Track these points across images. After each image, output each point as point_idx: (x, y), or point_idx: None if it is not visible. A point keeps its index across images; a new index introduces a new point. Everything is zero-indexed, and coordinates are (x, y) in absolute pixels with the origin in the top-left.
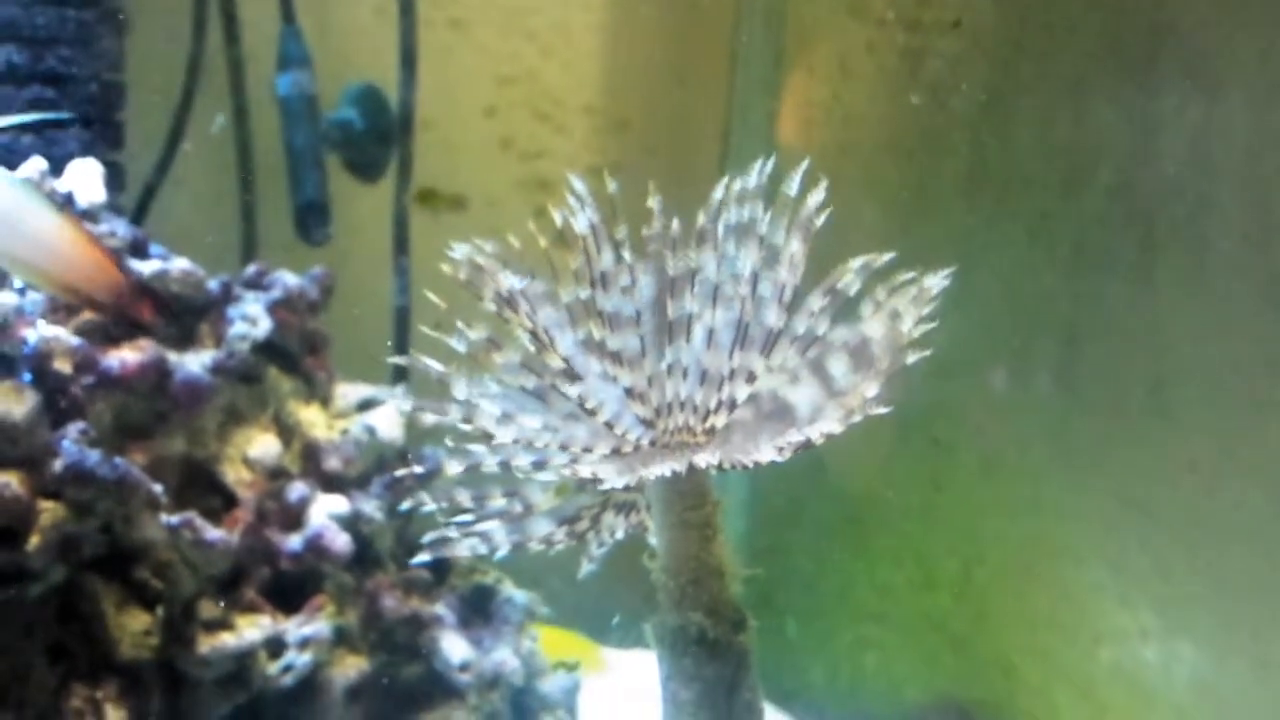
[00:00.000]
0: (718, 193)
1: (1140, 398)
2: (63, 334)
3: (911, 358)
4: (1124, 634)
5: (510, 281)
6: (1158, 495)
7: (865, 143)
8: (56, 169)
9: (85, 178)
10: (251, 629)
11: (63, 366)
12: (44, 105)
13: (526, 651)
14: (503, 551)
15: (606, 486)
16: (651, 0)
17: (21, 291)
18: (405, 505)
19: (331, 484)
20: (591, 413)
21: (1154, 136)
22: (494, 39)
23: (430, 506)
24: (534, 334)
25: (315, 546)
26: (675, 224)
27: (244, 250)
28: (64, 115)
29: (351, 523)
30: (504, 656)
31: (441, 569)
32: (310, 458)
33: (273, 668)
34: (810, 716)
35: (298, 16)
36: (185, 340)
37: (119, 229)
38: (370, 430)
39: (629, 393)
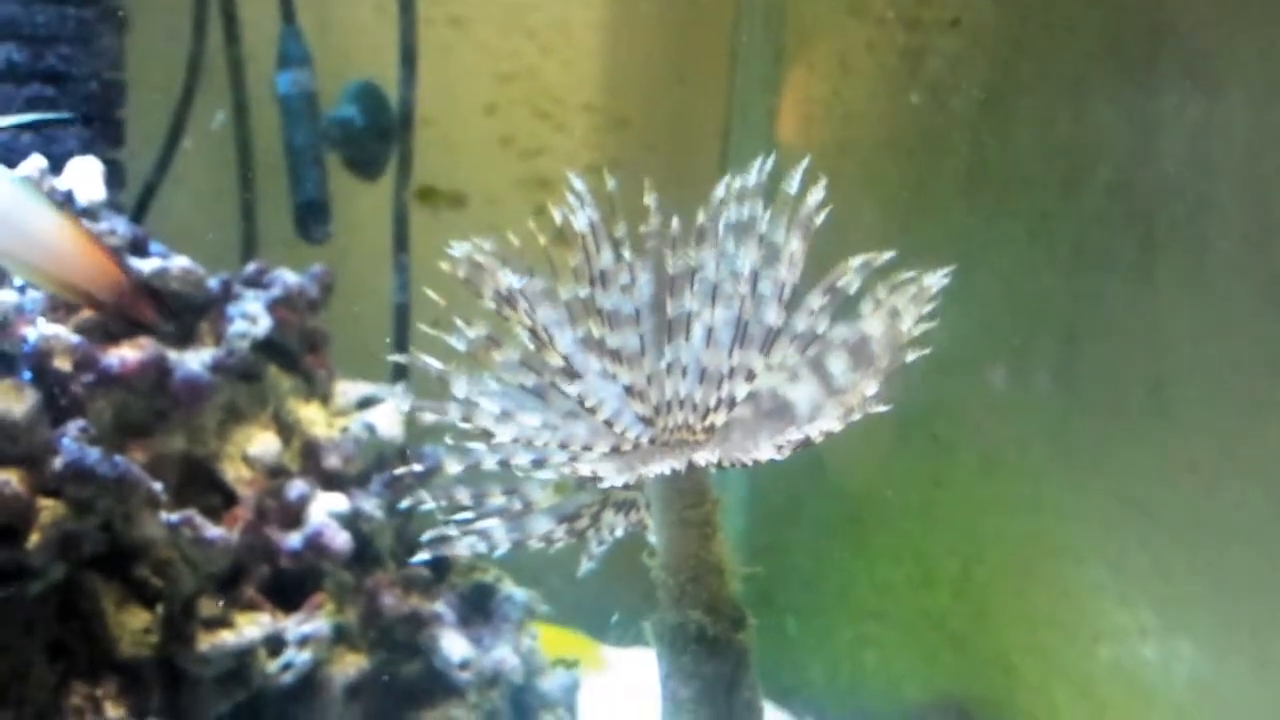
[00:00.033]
0: (719, 191)
1: (1140, 397)
2: (63, 332)
3: (911, 356)
4: (1123, 633)
5: (509, 280)
6: (1157, 495)
7: (865, 141)
8: (56, 167)
9: (85, 175)
10: (251, 627)
11: (63, 364)
12: (44, 103)
13: (526, 649)
14: (502, 549)
15: (606, 484)
16: None
17: (21, 290)
18: (405, 503)
19: (331, 482)
20: (591, 411)
21: (1154, 135)
22: (494, 37)
23: (430, 505)
24: (533, 332)
25: (315, 544)
26: (675, 222)
27: (244, 248)
28: (64, 116)
29: (351, 521)
30: (504, 654)
31: (441, 567)
32: (310, 456)
33: (272, 665)
34: (810, 714)
35: (298, 15)
36: (185, 338)
37: (119, 227)
38: (370, 428)
39: (628, 391)
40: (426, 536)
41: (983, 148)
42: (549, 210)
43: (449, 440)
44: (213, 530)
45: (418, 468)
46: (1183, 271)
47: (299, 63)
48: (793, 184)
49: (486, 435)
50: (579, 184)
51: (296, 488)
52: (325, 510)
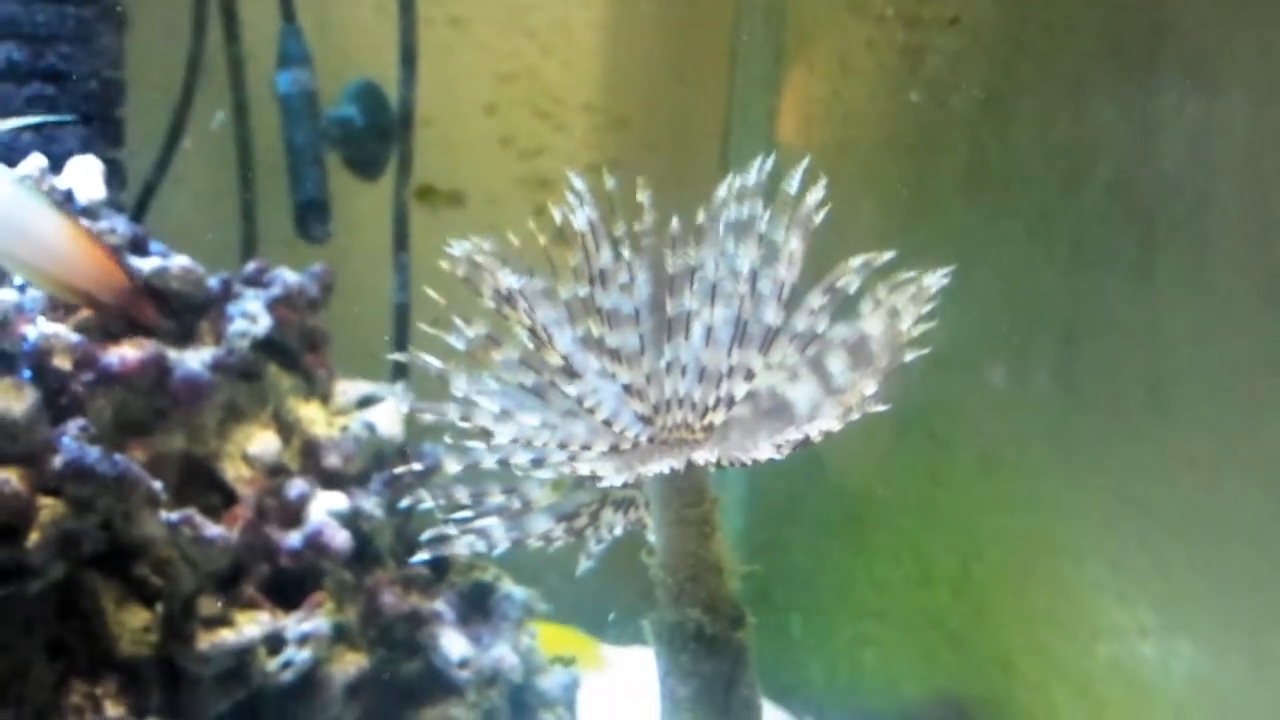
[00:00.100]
0: (721, 191)
1: (1139, 395)
2: (62, 331)
3: (910, 356)
4: (1122, 631)
5: (508, 280)
6: (1157, 493)
7: (865, 140)
8: (56, 166)
9: (85, 175)
10: (251, 625)
11: (62, 363)
12: (44, 102)
13: (525, 648)
14: (501, 548)
15: (605, 484)
16: None
17: (21, 288)
18: (404, 502)
19: (331, 481)
20: (590, 410)
21: (1154, 134)
22: (494, 36)
23: (429, 503)
24: (533, 331)
25: (315, 543)
26: (675, 221)
27: (244, 247)
28: (64, 118)
29: (351, 520)
30: (503, 653)
31: (441, 566)
32: (310, 455)
33: (272, 664)
34: (809, 712)
35: (298, 14)
36: (185, 337)
37: (119, 226)
38: (370, 427)
39: (627, 390)
40: (426, 536)
41: (982, 147)
42: (549, 210)
43: (448, 439)
44: (212, 529)
45: (417, 467)
46: (1182, 270)
47: (299, 62)
48: (792, 183)
49: (486, 434)
50: (579, 183)
51: (296, 487)
52: (325, 509)
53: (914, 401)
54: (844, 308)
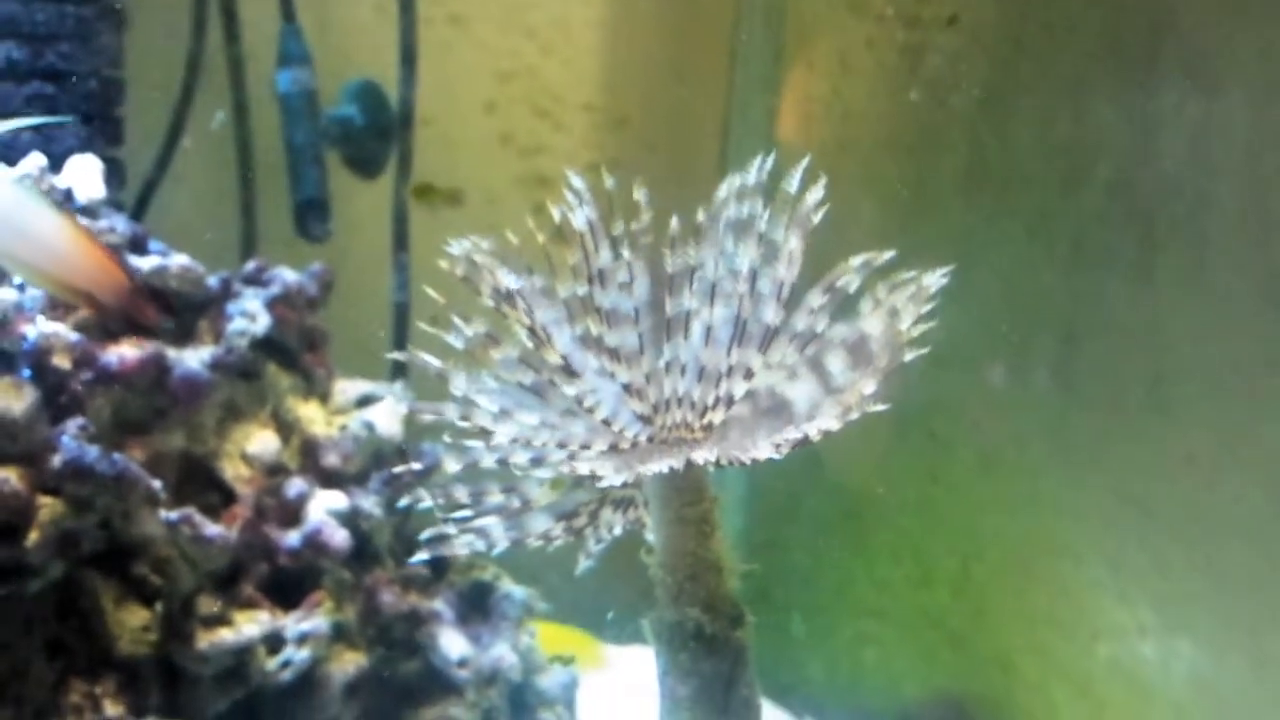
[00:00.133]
0: (722, 190)
1: (1139, 394)
2: (62, 330)
3: (910, 355)
4: (1122, 630)
5: (508, 279)
6: (1156, 492)
7: (865, 140)
8: (56, 165)
9: (84, 174)
10: (250, 625)
11: (62, 362)
12: (43, 101)
13: (524, 647)
14: (500, 547)
15: (604, 483)
16: None
17: (20, 288)
18: (403, 501)
19: (330, 480)
20: (589, 409)
21: (1153, 134)
22: (493, 35)
23: (428, 503)
24: (532, 330)
25: (314, 542)
26: (675, 221)
27: (243, 246)
28: (64, 119)
29: (350, 519)
30: (502, 652)
31: (440, 565)
32: (309, 454)
33: (271, 663)
34: (808, 712)
35: (298, 14)
36: (184, 336)
37: (118, 225)
38: (369, 426)
39: (627, 389)
40: (425, 535)
41: (982, 146)
42: (548, 209)
43: (447, 438)
44: (211, 528)
45: (416, 466)
46: (1182, 270)
47: (299, 61)
48: (792, 183)
49: (485, 433)
50: (578, 182)
51: (295, 486)
52: (324, 508)
53: (913, 401)
54: (844, 307)
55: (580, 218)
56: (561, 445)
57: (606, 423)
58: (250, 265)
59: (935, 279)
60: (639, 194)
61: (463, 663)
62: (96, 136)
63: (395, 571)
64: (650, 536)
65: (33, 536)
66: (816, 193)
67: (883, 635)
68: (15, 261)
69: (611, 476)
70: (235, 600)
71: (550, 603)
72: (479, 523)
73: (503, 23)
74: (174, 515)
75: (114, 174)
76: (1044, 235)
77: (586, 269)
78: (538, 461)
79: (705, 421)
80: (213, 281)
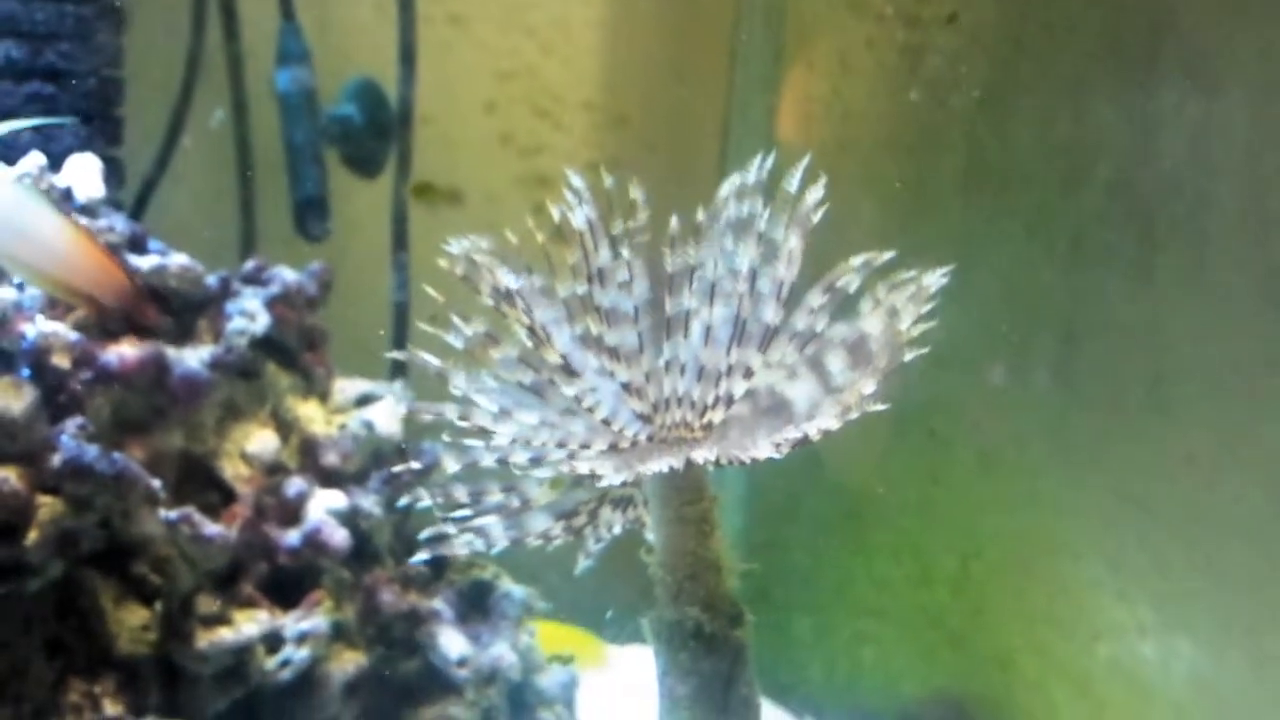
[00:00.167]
0: (723, 190)
1: (1139, 393)
2: (61, 329)
3: (909, 355)
4: (1122, 629)
5: (507, 278)
6: (1156, 491)
7: (864, 139)
8: (55, 164)
9: (84, 173)
10: (249, 624)
11: (61, 361)
12: (43, 100)
13: (524, 646)
14: (500, 547)
15: (604, 482)
16: None
17: (20, 287)
18: (403, 501)
19: (329, 479)
20: (589, 409)
21: (1153, 133)
22: (493, 35)
23: (428, 502)
24: (531, 330)
25: (313, 542)
26: (674, 220)
27: (243, 245)
28: (63, 120)
29: (349, 518)
30: (501, 651)
31: (439, 564)
32: (308, 453)
33: (270, 663)
34: (808, 711)
35: (297, 12)
36: (184, 335)
37: (117, 224)
38: (368, 425)
39: (626, 388)
40: (425, 534)
41: (982, 146)
42: (547, 208)
43: (447, 437)
44: (211, 527)
45: (416, 465)
46: (1182, 269)
47: (298, 60)
48: (792, 182)
49: (484, 433)
50: (577, 181)
51: (295, 485)
52: (323, 507)
53: (913, 400)
54: (843, 307)
55: (580, 217)
56: (561, 444)
57: (606, 422)
58: (249, 264)
59: (935, 279)
60: (635, 192)
61: (462, 662)
62: (96, 135)
63: (395, 570)
64: (650, 535)
65: (32, 535)
66: (816, 192)
67: (882, 634)
68: (16, 263)
69: (611, 476)
70: (235, 599)
71: (550, 602)
72: (478, 522)
73: (502, 22)
74: (173, 514)
75: (113, 173)
76: (1044, 235)
77: (586, 268)
78: (537, 461)
79: (705, 421)
80: (212, 280)
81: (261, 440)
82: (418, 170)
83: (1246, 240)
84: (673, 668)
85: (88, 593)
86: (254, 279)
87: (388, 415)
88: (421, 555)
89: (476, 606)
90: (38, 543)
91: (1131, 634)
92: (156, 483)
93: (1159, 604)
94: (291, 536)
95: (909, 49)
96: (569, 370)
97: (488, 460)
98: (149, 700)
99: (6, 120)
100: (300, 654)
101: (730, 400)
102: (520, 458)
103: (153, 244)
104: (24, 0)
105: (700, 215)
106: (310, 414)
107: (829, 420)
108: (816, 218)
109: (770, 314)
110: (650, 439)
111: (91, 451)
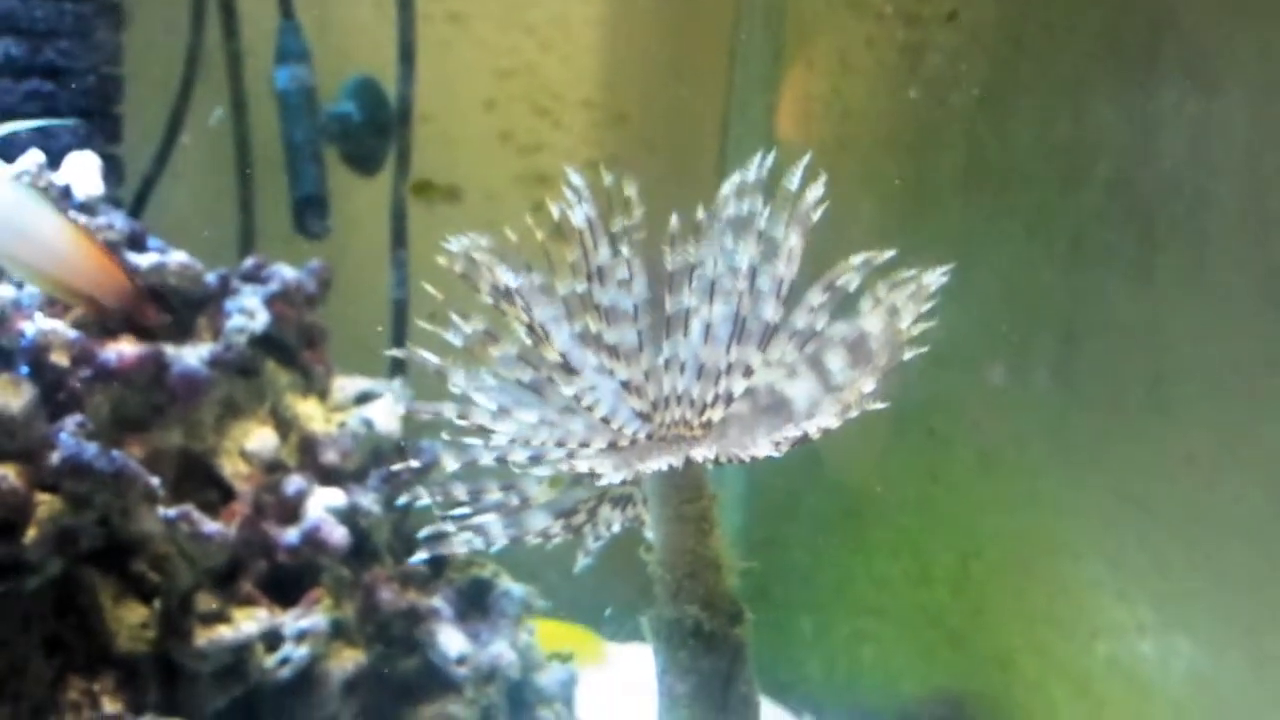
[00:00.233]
0: (725, 189)
1: (1139, 393)
2: (60, 327)
3: (909, 354)
4: (1121, 629)
5: (506, 276)
6: (1156, 490)
7: (864, 138)
8: (54, 162)
9: (83, 170)
10: (248, 622)
11: (60, 359)
12: (42, 98)
13: (523, 644)
14: (499, 545)
15: (603, 481)
16: None
17: (19, 285)
18: (402, 499)
19: (329, 477)
20: (588, 407)
21: (1153, 133)
22: (493, 33)
23: (427, 500)
24: (530, 328)
25: (312, 540)
26: (674, 218)
27: (242, 243)
28: (63, 121)
29: (349, 516)
30: (500, 650)
31: (439, 562)
32: (307, 451)
33: (270, 660)
34: (807, 709)
35: (296, 10)
36: (182, 333)
37: (116, 222)
38: (367, 423)
39: (626, 386)
40: (424, 533)
41: (982, 145)
42: (547, 206)
43: (446, 436)
44: (210, 525)
45: (415, 463)
46: (1182, 269)
47: (298, 58)
48: (792, 180)
49: (484, 431)
50: (577, 179)
51: (294, 483)
52: (323, 505)
53: (913, 399)
54: (843, 305)
55: (579, 215)
56: (560, 443)
57: (605, 420)
58: (249, 262)
59: (935, 277)
60: (629, 189)
61: (461, 660)
62: (95, 133)
63: (394, 569)
64: (649, 534)
65: (31, 533)
66: (816, 191)
67: (882, 633)
68: (16, 263)
69: (610, 474)
70: (234, 597)
71: (549, 600)
72: (478, 520)
73: (502, 20)
74: (172, 512)
75: (112, 171)
76: (1043, 234)
77: (585, 266)
78: (536, 459)
79: (704, 419)
80: (211, 278)
81: (261, 438)
82: (417, 168)
83: (1246, 240)
84: (672, 666)
85: (87, 590)
86: (253, 277)
87: (387, 413)
88: (421, 553)
89: (476, 604)
90: (37, 540)
91: (1131, 633)
92: (155, 480)
93: (1159, 603)
94: (291, 534)
95: (909, 48)
96: (568, 368)
97: (487, 458)
98: (148, 698)
99: (6, 118)
100: (299, 652)
101: (730, 398)
102: (519, 456)
103: (152, 242)
104: None
105: (700, 213)
106: (309, 412)
107: (828, 419)
108: (816, 216)
109: (770, 312)
110: (649, 437)
111: (90, 449)
